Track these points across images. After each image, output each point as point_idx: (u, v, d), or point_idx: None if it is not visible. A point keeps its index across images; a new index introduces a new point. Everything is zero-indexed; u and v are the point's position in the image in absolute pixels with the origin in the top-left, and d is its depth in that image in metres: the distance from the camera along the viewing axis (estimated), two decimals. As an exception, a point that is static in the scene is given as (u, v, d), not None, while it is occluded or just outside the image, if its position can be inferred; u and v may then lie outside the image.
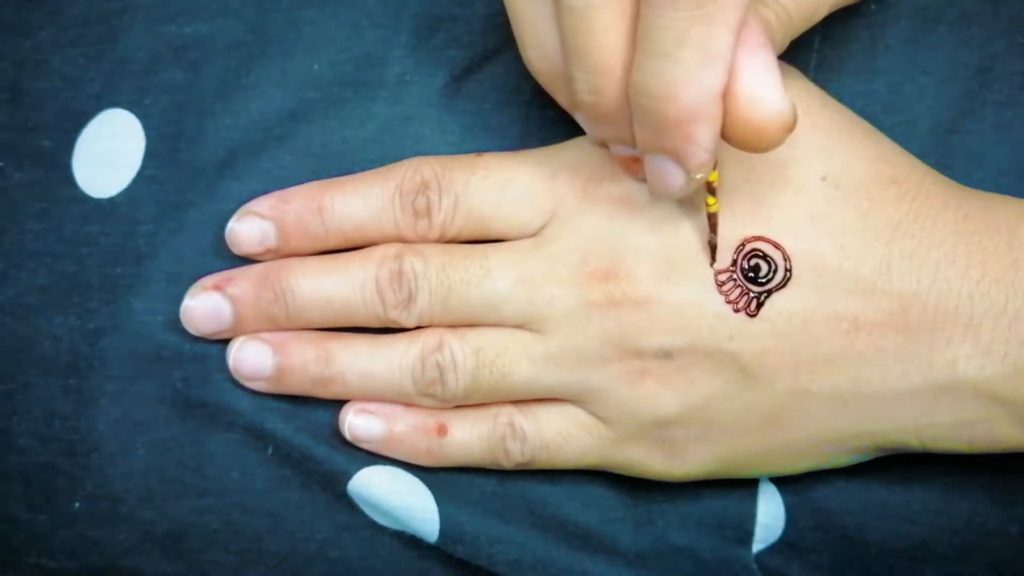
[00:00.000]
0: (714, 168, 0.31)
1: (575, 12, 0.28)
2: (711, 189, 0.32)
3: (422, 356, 0.36)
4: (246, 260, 0.37)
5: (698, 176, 0.30)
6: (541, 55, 0.31)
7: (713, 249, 0.34)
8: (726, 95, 0.29)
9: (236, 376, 0.37)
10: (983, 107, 0.38)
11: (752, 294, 0.33)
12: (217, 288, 0.36)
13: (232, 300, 0.36)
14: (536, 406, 0.36)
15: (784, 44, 0.34)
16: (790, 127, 0.30)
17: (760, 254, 0.33)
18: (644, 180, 0.33)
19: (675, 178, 0.31)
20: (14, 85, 0.39)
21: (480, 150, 0.37)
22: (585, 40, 0.29)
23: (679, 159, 0.30)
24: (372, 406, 0.37)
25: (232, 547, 0.38)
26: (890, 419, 0.34)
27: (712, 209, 0.33)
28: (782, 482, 0.38)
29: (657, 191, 0.32)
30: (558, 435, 0.36)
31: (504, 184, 0.35)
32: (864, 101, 0.37)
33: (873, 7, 0.38)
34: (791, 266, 0.33)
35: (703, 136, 0.29)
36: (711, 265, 0.34)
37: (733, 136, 0.30)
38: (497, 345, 0.35)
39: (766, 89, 0.29)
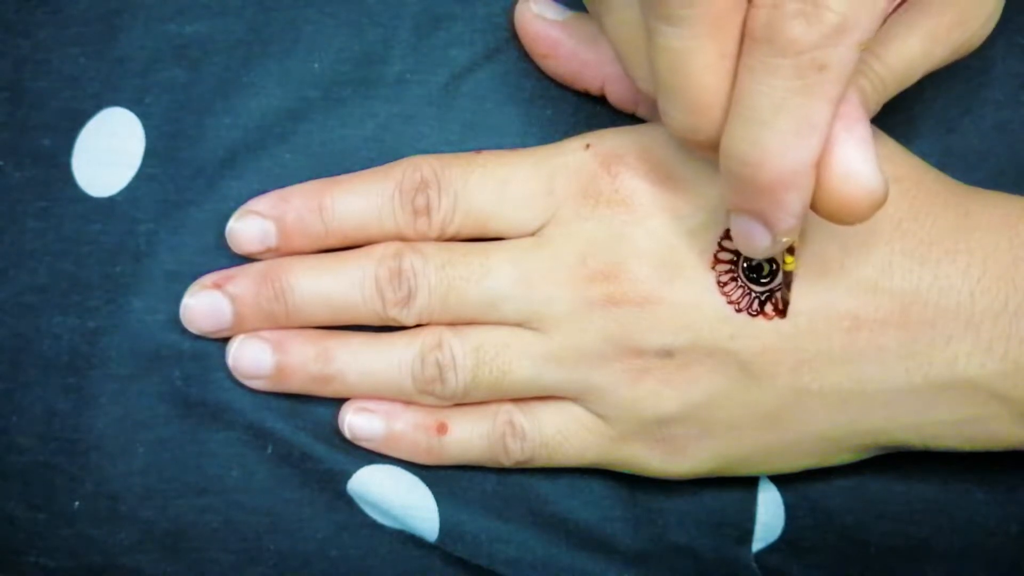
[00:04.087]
0: None
1: (671, 53, 0.28)
2: (790, 249, 0.32)
3: (422, 354, 0.36)
4: (246, 259, 0.37)
5: (784, 240, 0.30)
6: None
7: (786, 306, 0.33)
8: (820, 167, 0.28)
9: (236, 374, 0.37)
10: (982, 107, 0.38)
11: (754, 294, 0.33)
12: (217, 286, 0.36)
13: (232, 298, 0.36)
14: (536, 404, 0.36)
15: (876, 110, 0.33)
16: (880, 204, 0.29)
17: (762, 253, 0.33)
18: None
19: (761, 240, 0.30)
20: (14, 84, 0.38)
21: (480, 149, 0.37)
22: (682, 81, 0.28)
23: (767, 223, 0.30)
24: (372, 404, 0.37)
25: (232, 546, 0.38)
26: (891, 417, 0.34)
27: (789, 267, 0.33)
28: (782, 481, 0.38)
29: (741, 250, 0.32)
30: (558, 433, 0.36)
31: (503, 182, 0.35)
32: (864, 101, 0.37)
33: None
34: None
35: (793, 203, 0.29)
36: (782, 317, 0.33)
37: (821, 207, 0.29)
38: (497, 343, 0.35)
39: (861, 165, 0.28)
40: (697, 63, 0.28)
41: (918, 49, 0.32)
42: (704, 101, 0.28)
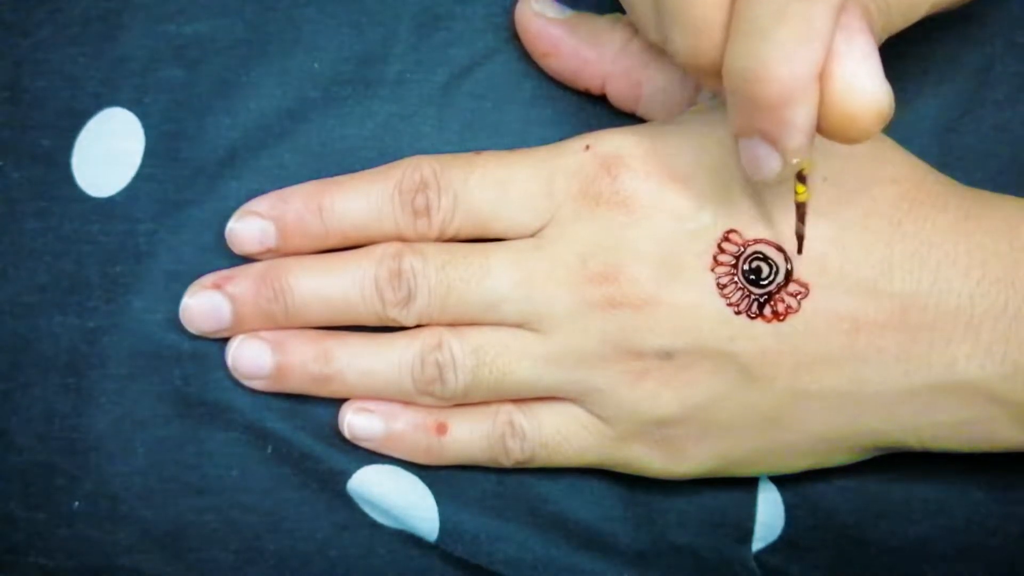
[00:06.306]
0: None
1: None
2: (801, 177, 0.31)
3: (421, 354, 0.36)
4: (246, 259, 0.37)
5: (794, 161, 0.29)
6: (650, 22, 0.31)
7: (800, 239, 0.33)
8: (822, 80, 0.28)
9: (235, 375, 0.37)
10: (982, 107, 0.38)
11: (753, 296, 0.33)
12: (217, 287, 0.36)
13: (231, 299, 0.36)
14: (536, 404, 0.36)
15: (882, 37, 0.32)
16: (886, 117, 0.28)
17: (761, 256, 0.33)
18: None
19: (770, 162, 0.30)
20: (13, 84, 0.38)
21: (480, 149, 0.37)
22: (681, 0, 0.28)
23: (775, 142, 0.29)
24: (372, 404, 0.37)
25: (231, 546, 0.38)
26: (890, 419, 0.34)
27: (801, 198, 0.32)
28: (782, 481, 0.38)
29: (752, 176, 0.31)
30: (557, 433, 0.36)
31: (503, 183, 0.35)
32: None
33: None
34: (792, 268, 0.33)
35: (800, 118, 0.28)
36: (798, 253, 0.33)
37: (826, 124, 0.29)
38: (497, 344, 0.35)
39: (864, 75, 0.28)
40: None
41: None
42: (706, 19, 0.28)
